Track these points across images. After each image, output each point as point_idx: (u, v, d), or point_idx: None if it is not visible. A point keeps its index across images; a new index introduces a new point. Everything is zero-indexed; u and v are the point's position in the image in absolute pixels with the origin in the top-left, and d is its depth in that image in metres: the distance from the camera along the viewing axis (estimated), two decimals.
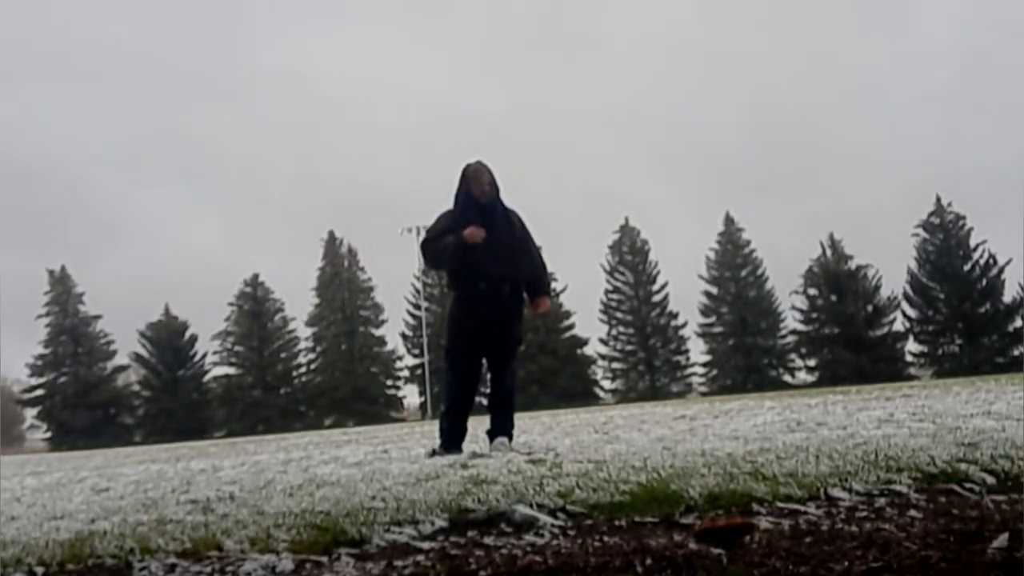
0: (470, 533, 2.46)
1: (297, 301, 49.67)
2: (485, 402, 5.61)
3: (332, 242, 49.99)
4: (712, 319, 46.90)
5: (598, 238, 49.09)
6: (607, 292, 47.73)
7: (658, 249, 48.11)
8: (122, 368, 49.47)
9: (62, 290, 48.30)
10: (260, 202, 68.43)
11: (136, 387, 49.80)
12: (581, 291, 47.50)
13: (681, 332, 47.33)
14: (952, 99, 63.76)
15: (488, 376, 5.53)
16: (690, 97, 69.05)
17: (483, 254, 5.29)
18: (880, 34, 67.22)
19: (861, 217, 56.06)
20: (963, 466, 2.90)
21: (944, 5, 69.36)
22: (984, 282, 43.20)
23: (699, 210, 60.91)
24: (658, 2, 72.43)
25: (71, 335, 47.75)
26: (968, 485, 2.71)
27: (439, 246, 5.43)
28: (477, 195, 5.40)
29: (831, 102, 63.70)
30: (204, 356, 48.66)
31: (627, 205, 62.50)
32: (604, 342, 47.40)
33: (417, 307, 46.60)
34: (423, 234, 5.64)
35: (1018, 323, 42.05)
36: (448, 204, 5.55)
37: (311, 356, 49.53)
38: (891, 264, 45.39)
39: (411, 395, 49.27)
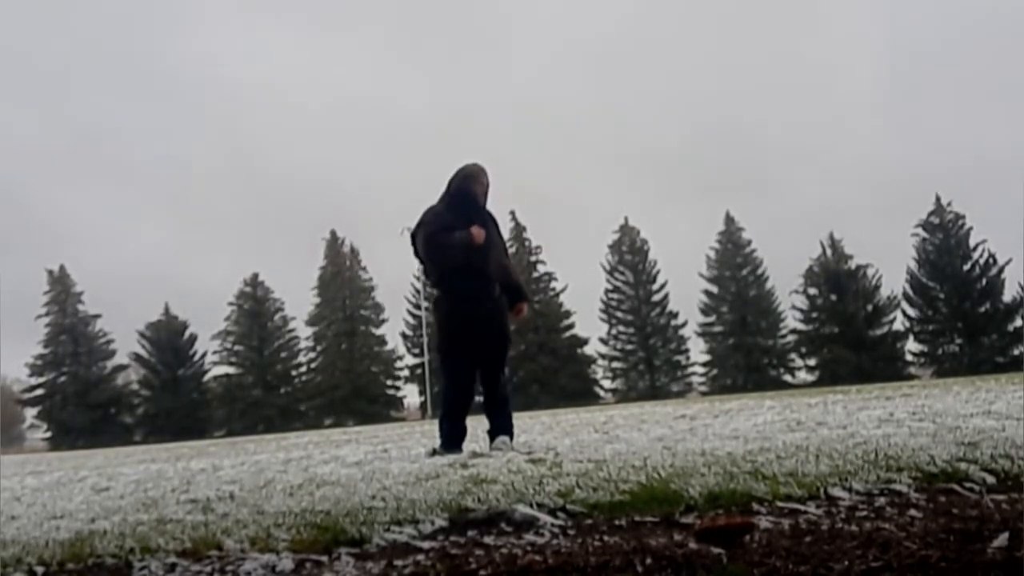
0: (470, 532, 2.46)
1: (297, 301, 49.82)
2: (481, 401, 5.59)
3: (334, 242, 50.00)
4: (712, 318, 46.90)
5: (562, 238, 49.15)
6: (607, 292, 47.75)
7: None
8: (122, 367, 49.48)
9: (61, 289, 48.30)
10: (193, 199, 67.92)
11: (136, 386, 49.80)
12: (581, 291, 47.62)
13: (681, 332, 47.37)
14: (902, 95, 63.91)
15: (482, 376, 5.50)
16: (648, 100, 69.35)
17: (482, 254, 5.31)
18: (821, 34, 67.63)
19: (830, 216, 56.34)
20: (963, 466, 2.90)
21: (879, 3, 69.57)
22: (984, 282, 43.18)
23: (655, 211, 61.19)
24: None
25: (71, 334, 47.73)
26: (968, 485, 2.71)
27: (448, 240, 5.33)
28: (477, 194, 5.42)
29: (787, 104, 64.09)
30: (204, 355, 48.78)
31: (591, 204, 62.87)
32: (604, 342, 47.47)
33: (417, 307, 46.56)
34: (423, 227, 5.49)
35: (1018, 323, 42.05)
36: (431, 201, 5.53)
37: (311, 356, 49.54)
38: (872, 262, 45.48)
39: (411, 395, 49.34)
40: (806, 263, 45.47)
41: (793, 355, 46.28)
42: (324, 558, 2.26)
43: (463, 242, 5.28)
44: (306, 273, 49.84)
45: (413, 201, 6.47)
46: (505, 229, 5.80)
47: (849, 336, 43.52)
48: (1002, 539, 1.96)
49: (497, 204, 5.64)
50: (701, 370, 47.59)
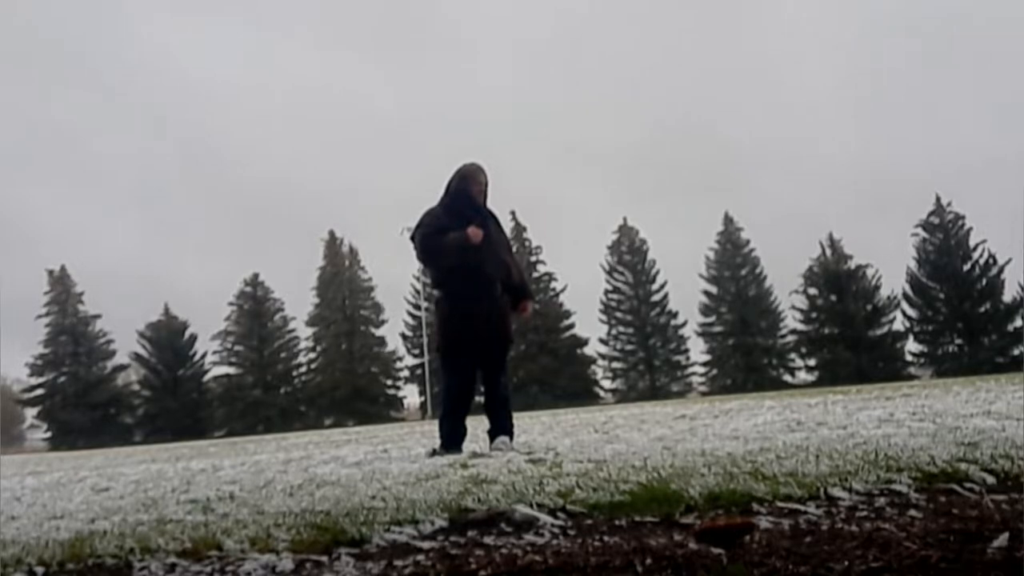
0: (470, 533, 2.45)
1: (297, 301, 49.84)
2: (481, 401, 5.60)
3: (332, 242, 50.01)
4: (712, 319, 46.93)
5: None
6: (607, 292, 47.80)
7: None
8: (122, 368, 49.51)
9: (62, 290, 48.30)
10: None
11: (136, 387, 49.84)
12: (581, 291, 47.65)
13: (681, 332, 47.43)
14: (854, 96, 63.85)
15: (482, 376, 5.51)
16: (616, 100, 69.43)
17: (480, 254, 5.31)
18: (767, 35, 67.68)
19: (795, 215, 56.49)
20: (963, 466, 2.89)
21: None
22: (984, 282, 43.21)
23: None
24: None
25: (71, 335, 47.74)
26: (968, 485, 2.70)
27: (443, 242, 5.36)
28: (475, 195, 5.43)
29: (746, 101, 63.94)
30: (204, 356, 48.80)
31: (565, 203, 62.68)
32: (604, 342, 47.52)
33: (417, 307, 46.60)
34: (420, 228, 5.53)
35: (1018, 323, 42.06)
36: (431, 201, 5.57)
37: (311, 356, 49.58)
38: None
39: (411, 395, 49.40)
40: (806, 263, 45.56)
41: (793, 355, 46.34)
42: (324, 558, 2.26)
43: (458, 242, 5.29)
44: (306, 273, 49.99)
45: (413, 200, 6.49)
46: (505, 229, 5.81)
47: (849, 336, 43.54)
48: (1002, 539, 1.95)
49: (497, 204, 5.67)
50: (701, 370, 47.71)
